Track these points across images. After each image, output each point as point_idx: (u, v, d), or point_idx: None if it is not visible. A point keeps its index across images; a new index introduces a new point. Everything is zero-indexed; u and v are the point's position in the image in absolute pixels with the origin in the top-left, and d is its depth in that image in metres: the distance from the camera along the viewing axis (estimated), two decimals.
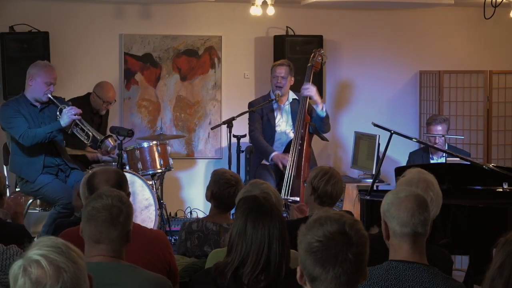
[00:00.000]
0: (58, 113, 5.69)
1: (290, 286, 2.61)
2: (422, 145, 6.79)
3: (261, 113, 6.45)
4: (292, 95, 6.54)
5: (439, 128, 6.39)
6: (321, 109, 6.32)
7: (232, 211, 3.59)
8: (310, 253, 1.93)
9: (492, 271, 1.86)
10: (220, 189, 3.97)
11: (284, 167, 6.17)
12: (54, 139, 5.72)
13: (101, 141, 5.68)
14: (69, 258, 1.81)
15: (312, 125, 6.34)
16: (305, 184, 4.09)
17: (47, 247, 1.81)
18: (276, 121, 6.49)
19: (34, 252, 1.80)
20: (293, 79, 6.51)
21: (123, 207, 2.74)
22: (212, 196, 4.01)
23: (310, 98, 6.33)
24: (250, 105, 6.49)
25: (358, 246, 1.94)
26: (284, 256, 2.72)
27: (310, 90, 6.30)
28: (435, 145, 6.28)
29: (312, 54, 6.48)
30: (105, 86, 6.75)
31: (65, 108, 5.66)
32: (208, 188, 4.06)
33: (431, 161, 6.35)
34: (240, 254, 2.72)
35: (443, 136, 6.40)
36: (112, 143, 5.73)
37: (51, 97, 5.71)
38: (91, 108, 6.72)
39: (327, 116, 6.39)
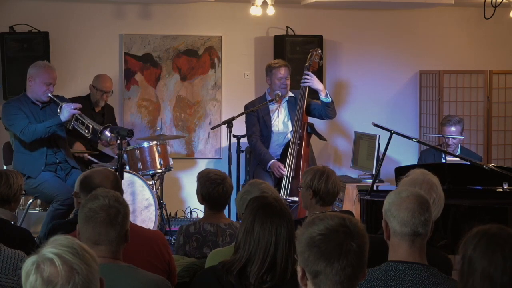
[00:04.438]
0: (58, 110, 5.72)
1: None
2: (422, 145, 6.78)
3: (257, 115, 6.43)
4: (289, 93, 6.52)
5: (452, 130, 6.31)
6: (324, 95, 6.29)
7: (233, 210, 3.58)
8: (313, 246, 1.91)
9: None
10: (209, 190, 3.98)
11: (280, 177, 6.16)
12: (55, 135, 5.74)
13: (100, 132, 5.66)
14: (83, 260, 1.81)
15: (310, 124, 6.33)
16: (300, 189, 4.04)
17: (62, 247, 1.81)
18: (272, 122, 6.47)
19: (49, 250, 1.80)
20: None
21: (120, 207, 2.74)
22: (203, 198, 4.02)
23: (310, 87, 6.30)
24: (246, 107, 6.46)
25: (360, 237, 1.94)
26: (291, 256, 2.70)
27: (309, 81, 6.27)
28: (447, 147, 6.24)
29: (310, 54, 6.46)
30: (102, 76, 6.82)
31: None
32: (197, 192, 4.07)
33: (443, 161, 6.29)
34: (248, 252, 2.71)
35: (443, 136, 6.39)
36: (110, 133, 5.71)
37: (52, 96, 5.75)
38: (92, 107, 6.75)
39: (332, 102, 6.34)
